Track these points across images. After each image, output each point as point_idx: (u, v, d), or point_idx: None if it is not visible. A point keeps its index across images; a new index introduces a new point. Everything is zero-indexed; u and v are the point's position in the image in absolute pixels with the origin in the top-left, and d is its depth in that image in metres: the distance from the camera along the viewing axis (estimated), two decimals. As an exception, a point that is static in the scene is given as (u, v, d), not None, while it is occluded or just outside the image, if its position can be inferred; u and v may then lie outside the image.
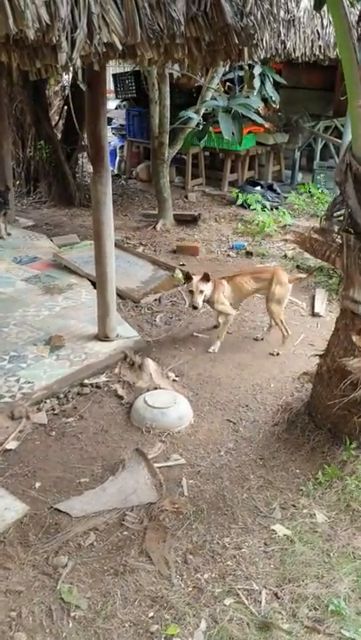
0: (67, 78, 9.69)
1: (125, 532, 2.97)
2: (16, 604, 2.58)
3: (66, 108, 9.16)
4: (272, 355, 4.67)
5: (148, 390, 4.07)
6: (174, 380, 4.30)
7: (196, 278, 4.51)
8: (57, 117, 9.48)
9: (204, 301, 4.55)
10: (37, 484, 3.27)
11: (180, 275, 5.98)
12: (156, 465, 3.41)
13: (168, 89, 6.95)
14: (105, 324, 4.70)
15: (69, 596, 2.62)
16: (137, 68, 8.22)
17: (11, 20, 2.26)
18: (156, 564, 2.79)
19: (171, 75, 7.04)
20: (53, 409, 3.92)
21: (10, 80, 7.68)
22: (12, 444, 3.53)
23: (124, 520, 3.03)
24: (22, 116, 8.56)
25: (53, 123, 8.96)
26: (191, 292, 4.52)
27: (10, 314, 5.13)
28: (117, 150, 10.58)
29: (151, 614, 2.55)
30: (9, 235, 7.06)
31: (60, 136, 8.80)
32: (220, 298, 4.65)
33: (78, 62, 2.45)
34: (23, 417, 3.74)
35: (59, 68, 2.71)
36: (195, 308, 4.56)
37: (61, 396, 4.05)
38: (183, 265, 6.36)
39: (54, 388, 4.08)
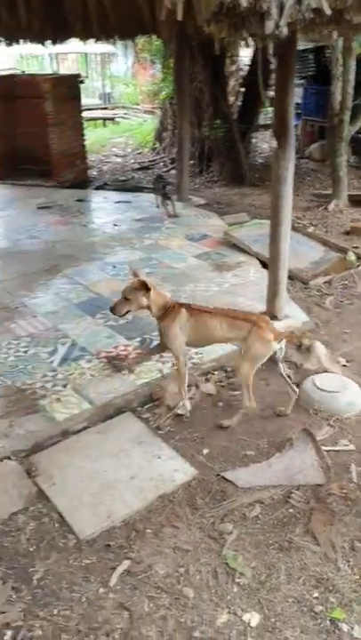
0: (245, 59, 9.69)
1: (291, 510, 2.95)
2: (184, 561, 2.69)
3: (243, 89, 9.17)
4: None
5: (316, 373, 3.98)
6: (344, 366, 4.15)
7: (131, 282, 3.51)
8: (232, 98, 9.52)
9: (129, 312, 3.55)
10: (205, 451, 3.36)
11: (352, 257, 5.75)
12: (323, 448, 3.33)
13: (354, 63, 6.63)
14: (274, 303, 4.67)
15: (234, 562, 2.67)
16: (319, 44, 7.97)
17: (225, -11, 2.28)
18: (323, 545, 2.73)
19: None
20: (221, 381, 4.00)
21: (192, 60, 7.87)
22: (182, 410, 3.66)
23: (289, 497, 3.01)
24: (201, 96, 8.72)
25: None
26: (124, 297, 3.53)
27: (181, 288, 5.32)
28: (291, 130, 10.38)
29: (316, 595, 2.51)
30: (176, 216, 7.28)
31: (235, 116, 8.84)
32: (175, 331, 3.46)
33: (285, 30, 2.40)
34: (193, 385, 3.86)
35: (260, 40, 2.69)
36: (112, 311, 3.55)
37: (229, 369, 4.11)
38: (357, 247, 6.08)
39: (222, 360, 4.15)
